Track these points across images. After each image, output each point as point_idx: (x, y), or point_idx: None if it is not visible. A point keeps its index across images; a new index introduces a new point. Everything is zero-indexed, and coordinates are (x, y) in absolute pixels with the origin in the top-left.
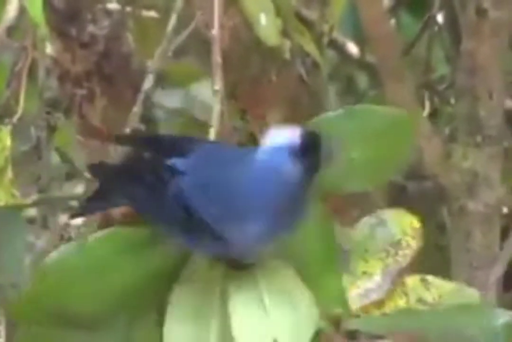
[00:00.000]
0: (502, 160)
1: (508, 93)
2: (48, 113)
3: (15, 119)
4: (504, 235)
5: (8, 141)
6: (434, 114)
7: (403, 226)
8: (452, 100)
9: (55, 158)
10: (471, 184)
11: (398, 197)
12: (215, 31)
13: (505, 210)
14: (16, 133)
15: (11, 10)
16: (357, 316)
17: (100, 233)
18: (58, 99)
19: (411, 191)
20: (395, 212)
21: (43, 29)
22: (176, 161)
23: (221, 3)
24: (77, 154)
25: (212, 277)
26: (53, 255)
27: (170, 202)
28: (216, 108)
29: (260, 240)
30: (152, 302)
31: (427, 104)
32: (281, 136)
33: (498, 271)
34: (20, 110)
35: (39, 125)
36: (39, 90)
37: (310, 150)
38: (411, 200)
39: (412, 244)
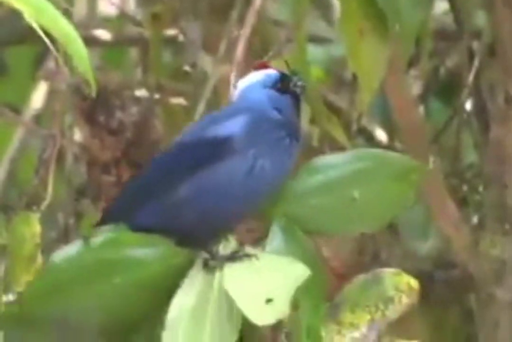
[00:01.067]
0: None
1: None
2: (76, 200)
3: (43, 206)
4: None
5: (37, 229)
6: (462, 202)
7: (398, 284)
8: (481, 188)
9: None
10: (499, 271)
11: (425, 285)
12: None
13: None
14: (45, 219)
15: (38, 97)
16: None
17: (104, 236)
18: (86, 185)
19: (438, 278)
20: (392, 271)
21: (93, 84)
22: None
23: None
24: None
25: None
26: (59, 254)
27: None
28: None
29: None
30: (154, 305)
31: (456, 192)
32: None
33: None
34: (48, 197)
35: (67, 212)
36: (67, 177)
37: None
38: (438, 287)
39: (404, 301)
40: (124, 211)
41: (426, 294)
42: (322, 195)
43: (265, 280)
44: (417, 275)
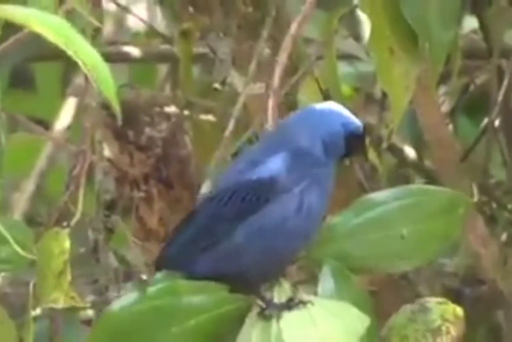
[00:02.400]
0: None
1: None
2: (106, 216)
3: (73, 222)
4: None
5: (67, 245)
6: (491, 220)
7: (444, 313)
8: (510, 206)
9: (112, 260)
10: None
11: (453, 302)
12: (269, 127)
13: None
14: (74, 235)
15: (67, 113)
16: None
17: (160, 283)
18: (115, 201)
19: (467, 295)
20: (437, 299)
21: (118, 111)
22: None
23: (275, 108)
24: (135, 257)
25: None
26: (116, 304)
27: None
28: None
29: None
30: None
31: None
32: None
33: None
34: (78, 213)
35: (97, 227)
36: (96, 192)
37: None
38: (467, 305)
39: (452, 331)
40: (179, 260)
41: None
42: (371, 232)
43: (323, 329)
44: (445, 293)
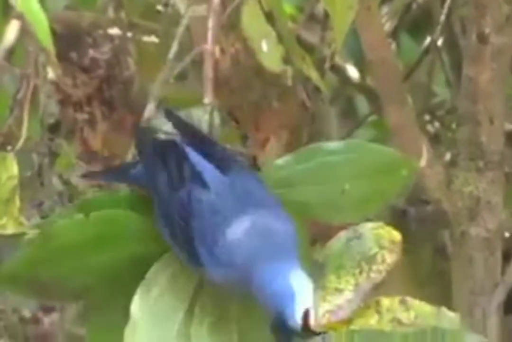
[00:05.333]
0: (504, 185)
1: (509, 118)
2: (50, 139)
3: (18, 146)
4: (505, 260)
5: (15, 170)
6: (435, 139)
7: (379, 239)
8: (453, 126)
9: (57, 183)
10: (473, 209)
11: (398, 222)
12: (208, 46)
13: (507, 234)
14: (18, 159)
15: (10, 35)
16: (324, 332)
17: (103, 212)
18: (59, 124)
19: (411, 215)
20: (373, 224)
21: (52, 54)
22: (209, 173)
23: (216, 29)
24: (79, 179)
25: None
26: (56, 224)
27: (173, 200)
28: (205, 118)
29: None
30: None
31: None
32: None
33: (500, 296)
34: (23, 137)
35: (41, 151)
36: (40, 116)
37: None
38: (412, 224)
39: (387, 259)
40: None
41: (400, 231)
42: (315, 181)
43: None
44: (390, 213)
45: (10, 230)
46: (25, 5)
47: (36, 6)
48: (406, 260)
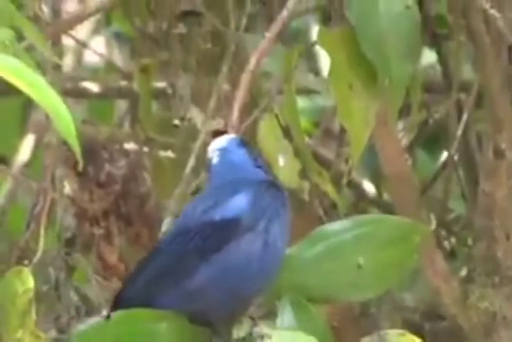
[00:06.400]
0: None
1: None
2: (67, 253)
3: (35, 259)
4: None
5: (31, 283)
6: (451, 255)
7: None
8: (469, 241)
9: (73, 297)
10: (489, 325)
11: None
12: None
13: None
14: (36, 273)
15: (26, 148)
16: None
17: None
18: (76, 238)
19: (427, 330)
20: (396, 331)
21: (78, 151)
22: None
23: None
24: (96, 293)
25: None
26: (77, 331)
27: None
28: None
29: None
30: None
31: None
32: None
33: None
34: (40, 251)
35: (58, 265)
36: (57, 230)
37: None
38: (428, 339)
39: None
40: (139, 298)
41: None
42: (327, 262)
43: None
44: (406, 328)
45: None
46: (47, 99)
47: (62, 107)
48: None
